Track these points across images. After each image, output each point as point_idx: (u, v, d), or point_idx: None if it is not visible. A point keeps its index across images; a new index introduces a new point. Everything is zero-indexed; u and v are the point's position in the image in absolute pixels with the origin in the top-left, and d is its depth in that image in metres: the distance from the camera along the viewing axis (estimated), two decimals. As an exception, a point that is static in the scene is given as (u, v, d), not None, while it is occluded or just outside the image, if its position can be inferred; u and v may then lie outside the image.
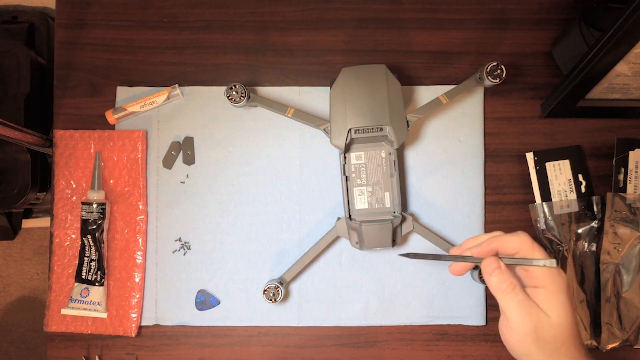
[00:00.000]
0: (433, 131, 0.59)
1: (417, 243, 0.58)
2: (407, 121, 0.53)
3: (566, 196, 0.59)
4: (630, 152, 0.59)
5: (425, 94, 0.60)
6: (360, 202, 0.54)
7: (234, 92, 0.54)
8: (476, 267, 0.55)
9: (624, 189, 0.59)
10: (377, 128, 0.52)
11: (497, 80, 0.53)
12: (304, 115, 0.55)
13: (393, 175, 0.54)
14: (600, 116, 0.60)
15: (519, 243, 0.41)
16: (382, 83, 0.52)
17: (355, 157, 0.54)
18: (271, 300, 0.54)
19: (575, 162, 0.60)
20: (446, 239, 0.57)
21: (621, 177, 0.59)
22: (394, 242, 0.53)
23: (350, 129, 0.52)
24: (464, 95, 0.59)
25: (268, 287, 0.54)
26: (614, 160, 0.59)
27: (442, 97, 0.54)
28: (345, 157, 0.54)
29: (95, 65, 0.61)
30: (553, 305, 0.40)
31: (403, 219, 0.54)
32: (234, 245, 0.58)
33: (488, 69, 0.52)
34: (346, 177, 0.54)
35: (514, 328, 0.40)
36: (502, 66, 0.52)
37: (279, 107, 0.56)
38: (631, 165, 0.59)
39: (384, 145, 0.54)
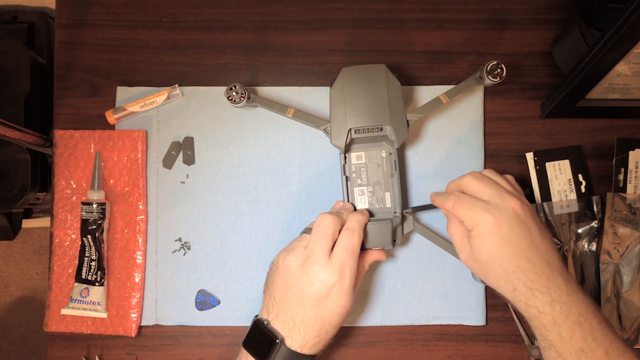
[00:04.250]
0: (433, 131, 0.59)
1: (418, 243, 0.58)
2: (407, 121, 0.52)
3: (566, 196, 0.59)
4: (630, 152, 0.59)
5: (425, 94, 0.60)
6: (361, 202, 0.54)
7: (234, 93, 0.54)
8: None
9: (624, 189, 0.59)
10: (377, 128, 0.52)
11: (497, 80, 0.53)
12: (304, 116, 0.55)
13: (394, 175, 0.54)
14: (600, 116, 0.60)
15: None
16: (382, 83, 0.52)
17: (356, 157, 0.54)
18: None
19: (575, 162, 0.60)
20: (446, 238, 0.56)
21: (621, 177, 0.59)
22: (394, 242, 0.53)
23: (350, 129, 0.52)
24: (464, 95, 0.59)
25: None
26: (614, 160, 0.59)
27: (442, 96, 0.54)
28: (345, 157, 0.54)
29: (95, 65, 0.61)
30: (473, 244, 0.46)
31: (404, 219, 0.54)
32: (234, 245, 0.58)
33: (488, 68, 0.52)
34: (346, 177, 0.54)
35: (458, 253, 0.49)
36: (502, 65, 0.52)
37: (279, 107, 0.56)
38: (631, 165, 0.59)
39: (384, 145, 0.54)
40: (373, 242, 0.52)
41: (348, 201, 0.54)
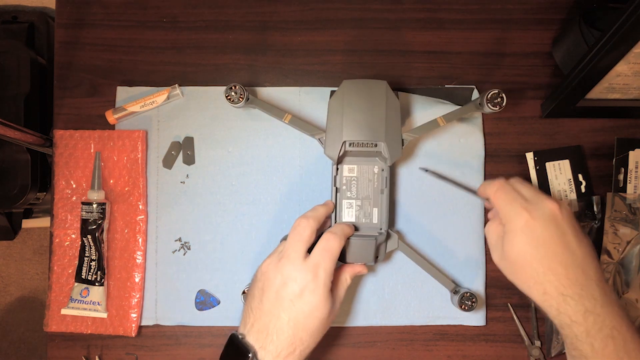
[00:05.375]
0: (433, 131, 0.59)
1: (417, 243, 0.58)
2: (403, 140, 0.52)
3: (566, 196, 0.59)
4: (630, 152, 0.59)
5: (425, 103, 0.60)
6: (348, 215, 0.54)
7: (233, 93, 0.54)
8: (456, 292, 0.55)
9: (623, 189, 0.59)
10: (371, 144, 0.52)
11: (497, 109, 0.52)
12: (300, 123, 0.55)
13: (383, 191, 0.53)
14: (600, 116, 0.60)
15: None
16: (382, 99, 0.52)
17: (348, 169, 0.54)
18: None
19: (575, 162, 0.60)
20: (430, 260, 0.56)
21: (621, 177, 0.59)
22: (376, 259, 0.53)
23: (344, 142, 0.52)
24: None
25: (247, 290, 0.53)
26: (614, 160, 0.59)
27: (439, 119, 0.54)
28: (337, 169, 0.54)
29: (95, 65, 0.61)
30: (505, 241, 0.46)
31: (388, 236, 0.54)
32: (234, 245, 0.58)
33: (489, 97, 0.52)
34: (336, 188, 0.54)
35: (491, 252, 0.49)
36: (503, 94, 0.52)
37: (277, 112, 0.55)
38: (631, 165, 0.59)
39: (378, 161, 0.54)
40: (355, 257, 0.52)
41: (335, 212, 0.53)
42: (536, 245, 0.43)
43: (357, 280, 0.58)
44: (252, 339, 0.45)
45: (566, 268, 0.43)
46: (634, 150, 0.59)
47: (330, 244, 0.47)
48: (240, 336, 0.46)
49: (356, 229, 0.53)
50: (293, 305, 0.45)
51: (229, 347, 0.47)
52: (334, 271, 0.47)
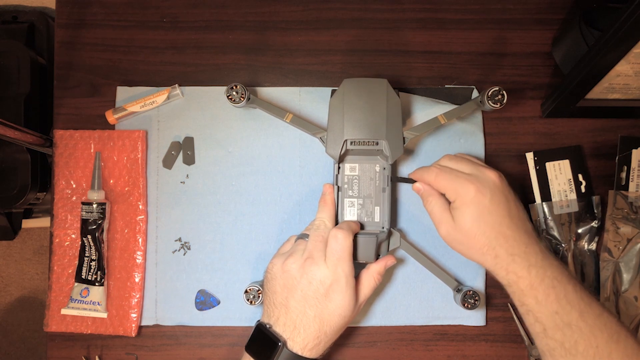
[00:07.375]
0: (433, 131, 0.59)
1: (417, 243, 0.58)
2: (404, 137, 0.52)
3: (566, 196, 0.59)
4: (634, 151, 0.59)
5: (425, 104, 0.60)
6: (350, 213, 0.54)
7: (234, 92, 0.54)
8: (459, 290, 0.55)
9: (625, 187, 0.59)
10: (373, 142, 0.52)
11: (498, 106, 0.53)
12: (301, 122, 0.55)
13: (385, 190, 0.54)
14: (600, 116, 0.60)
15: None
16: (382, 97, 0.52)
17: (349, 168, 0.54)
18: (250, 302, 0.53)
19: (575, 162, 0.60)
20: (432, 258, 0.56)
21: (623, 175, 0.59)
22: (377, 257, 0.53)
23: (346, 140, 0.52)
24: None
25: (250, 289, 0.53)
26: (617, 158, 0.59)
27: (440, 117, 0.54)
28: (339, 167, 0.54)
29: (95, 65, 0.61)
30: (456, 215, 0.48)
31: (390, 234, 0.54)
32: (234, 245, 0.58)
33: (489, 94, 0.53)
34: (338, 187, 0.54)
35: (438, 227, 0.50)
36: (504, 92, 0.52)
37: (278, 111, 0.55)
38: (634, 164, 0.59)
39: (379, 159, 0.54)
40: (356, 256, 0.52)
41: (337, 212, 0.54)
42: (486, 215, 0.46)
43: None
44: (279, 330, 0.47)
45: (512, 230, 0.46)
46: (637, 148, 0.59)
47: (339, 243, 0.48)
48: (267, 325, 0.48)
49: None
50: (319, 303, 0.47)
51: (256, 336, 0.48)
52: (352, 266, 0.49)
